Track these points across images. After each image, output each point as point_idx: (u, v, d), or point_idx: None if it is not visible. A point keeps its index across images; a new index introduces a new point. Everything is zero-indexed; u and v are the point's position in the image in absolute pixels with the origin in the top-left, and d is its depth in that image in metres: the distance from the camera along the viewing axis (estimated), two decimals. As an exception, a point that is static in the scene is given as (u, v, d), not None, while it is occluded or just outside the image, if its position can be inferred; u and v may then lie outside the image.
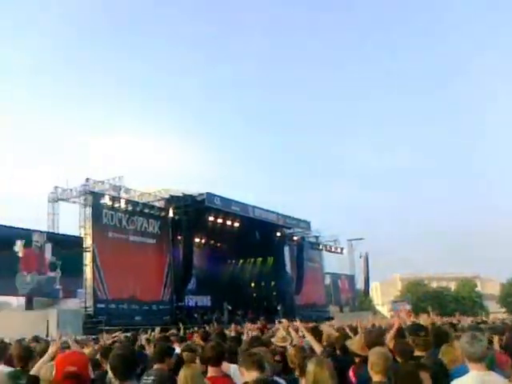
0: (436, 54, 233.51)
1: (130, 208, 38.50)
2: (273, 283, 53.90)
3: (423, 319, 13.07)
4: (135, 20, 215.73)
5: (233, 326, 17.23)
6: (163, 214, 41.42)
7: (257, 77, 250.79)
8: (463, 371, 5.06)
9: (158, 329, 15.98)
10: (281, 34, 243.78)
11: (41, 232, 33.60)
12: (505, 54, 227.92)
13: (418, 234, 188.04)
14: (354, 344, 7.27)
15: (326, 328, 11.55)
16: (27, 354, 7.30)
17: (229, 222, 45.64)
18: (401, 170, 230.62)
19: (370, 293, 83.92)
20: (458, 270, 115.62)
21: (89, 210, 36.44)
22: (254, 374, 5.16)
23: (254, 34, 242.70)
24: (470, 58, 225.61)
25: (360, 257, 69.01)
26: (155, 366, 6.87)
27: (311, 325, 13.24)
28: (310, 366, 5.19)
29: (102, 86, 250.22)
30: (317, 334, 9.40)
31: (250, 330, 15.17)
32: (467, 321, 19.62)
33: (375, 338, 7.10)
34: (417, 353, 6.51)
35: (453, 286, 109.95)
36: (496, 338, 7.84)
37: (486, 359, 4.98)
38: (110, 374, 5.36)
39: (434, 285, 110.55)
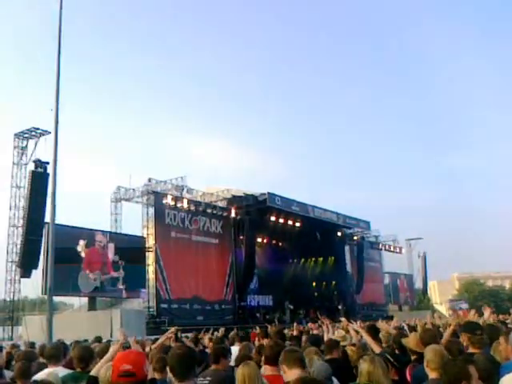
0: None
1: (192, 208, 37.31)
2: (334, 283, 52.43)
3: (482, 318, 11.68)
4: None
5: (295, 325, 15.96)
6: (225, 213, 40.13)
7: (315, 79, 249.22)
8: None
9: (222, 329, 15.78)
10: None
11: (103, 232, 32.40)
12: None
13: (476, 233, 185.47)
14: (410, 341, 7.25)
15: (383, 325, 11.49)
16: (87, 355, 6.73)
17: (290, 222, 44.11)
18: (458, 170, 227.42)
19: (428, 292, 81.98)
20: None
21: (151, 210, 35.48)
22: (295, 372, 4.97)
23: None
24: None
25: (418, 256, 67.34)
26: (212, 367, 6.74)
27: (367, 323, 12.34)
28: (363, 365, 5.07)
29: (165, 88, 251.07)
30: (374, 332, 8.94)
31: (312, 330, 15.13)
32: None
33: (430, 336, 6.93)
34: (472, 350, 6.22)
35: (507, 284, 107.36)
36: None
37: None
38: (170, 374, 5.15)
39: (490, 283, 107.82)
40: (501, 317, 23.46)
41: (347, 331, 9.87)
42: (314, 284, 52.64)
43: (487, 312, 13.08)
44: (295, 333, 13.40)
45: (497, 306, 79.62)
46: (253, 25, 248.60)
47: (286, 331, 15.27)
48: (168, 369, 5.32)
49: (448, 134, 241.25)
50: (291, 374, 4.97)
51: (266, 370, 5.70)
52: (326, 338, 9.24)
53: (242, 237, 40.82)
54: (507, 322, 16.69)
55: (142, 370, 4.13)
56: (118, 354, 4.52)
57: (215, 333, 15.65)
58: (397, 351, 7.85)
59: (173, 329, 11.59)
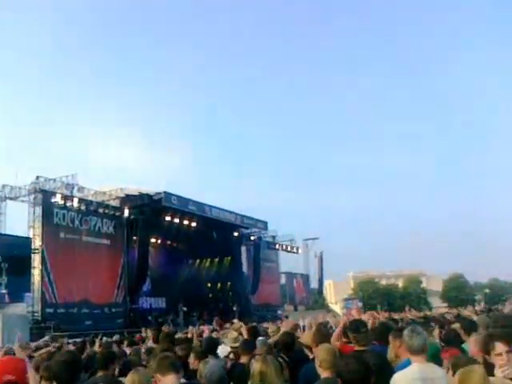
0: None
1: (83, 207, 35.76)
2: (229, 283, 52.38)
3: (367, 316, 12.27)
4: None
5: (190, 328, 15.28)
6: (118, 213, 38.67)
7: (220, 74, 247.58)
8: (407, 365, 5.11)
9: (116, 337, 16.04)
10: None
11: (-15, 232, 30.30)
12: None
13: (371, 232, 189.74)
14: (308, 338, 7.47)
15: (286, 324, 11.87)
16: None
17: (186, 222, 43.08)
18: (354, 168, 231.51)
19: (324, 291, 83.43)
20: (406, 267, 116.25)
21: (39, 210, 33.50)
22: (170, 378, 4.65)
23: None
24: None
25: (315, 256, 68.25)
26: (99, 373, 6.61)
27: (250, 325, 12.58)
28: (255, 365, 5.11)
29: (56, 75, 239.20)
30: (254, 333, 9.23)
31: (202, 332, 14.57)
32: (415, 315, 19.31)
33: (322, 335, 7.17)
34: (358, 348, 6.35)
35: (400, 282, 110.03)
36: (436, 331, 8.39)
37: (426, 351, 5.08)
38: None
39: (384, 282, 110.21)
40: (404, 314, 24.00)
41: (240, 333, 9.82)
42: (208, 285, 52.34)
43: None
44: (189, 335, 12.94)
45: (389, 304, 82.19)
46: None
47: (179, 334, 14.88)
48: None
49: (344, 133, 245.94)
50: (167, 380, 4.65)
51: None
52: None
53: (135, 237, 39.55)
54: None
55: (24, 378, 4.21)
56: None
57: (104, 338, 15.20)
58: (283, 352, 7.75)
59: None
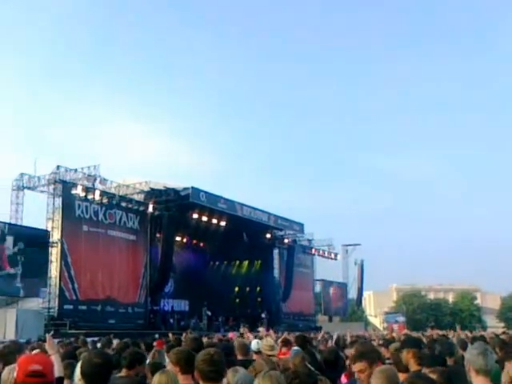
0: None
1: (105, 200, 36.08)
2: (258, 289, 52.36)
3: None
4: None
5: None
6: (142, 208, 38.93)
7: (251, 71, 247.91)
8: None
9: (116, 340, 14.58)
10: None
11: (1, 223, 31.49)
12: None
13: (418, 243, 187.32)
14: None
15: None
16: None
17: (214, 221, 43.46)
18: (405, 177, 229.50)
19: (363, 302, 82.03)
20: (458, 282, 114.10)
21: (58, 201, 33.95)
22: None
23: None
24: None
25: (355, 264, 68.07)
26: (123, 373, 6.56)
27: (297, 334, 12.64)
28: (256, 381, 4.77)
29: (78, 63, 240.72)
30: (303, 342, 9.32)
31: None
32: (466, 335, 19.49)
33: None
34: (415, 368, 6.24)
35: (451, 297, 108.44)
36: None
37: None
38: (77, 381, 5.22)
39: (432, 296, 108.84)
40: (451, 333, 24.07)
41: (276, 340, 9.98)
42: (236, 289, 52.44)
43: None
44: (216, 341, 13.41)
45: (437, 321, 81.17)
46: None
47: (204, 339, 15.36)
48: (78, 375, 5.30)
49: (392, 137, 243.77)
50: None
51: (179, 379, 5.58)
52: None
53: (159, 235, 40.16)
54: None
55: (51, 371, 4.22)
56: (23, 356, 4.55)
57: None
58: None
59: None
